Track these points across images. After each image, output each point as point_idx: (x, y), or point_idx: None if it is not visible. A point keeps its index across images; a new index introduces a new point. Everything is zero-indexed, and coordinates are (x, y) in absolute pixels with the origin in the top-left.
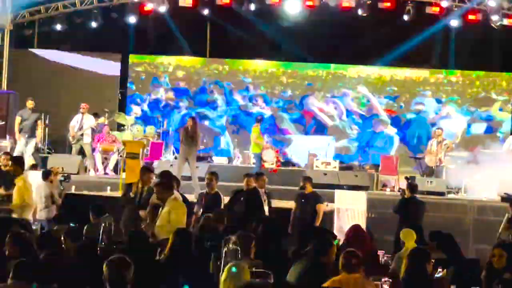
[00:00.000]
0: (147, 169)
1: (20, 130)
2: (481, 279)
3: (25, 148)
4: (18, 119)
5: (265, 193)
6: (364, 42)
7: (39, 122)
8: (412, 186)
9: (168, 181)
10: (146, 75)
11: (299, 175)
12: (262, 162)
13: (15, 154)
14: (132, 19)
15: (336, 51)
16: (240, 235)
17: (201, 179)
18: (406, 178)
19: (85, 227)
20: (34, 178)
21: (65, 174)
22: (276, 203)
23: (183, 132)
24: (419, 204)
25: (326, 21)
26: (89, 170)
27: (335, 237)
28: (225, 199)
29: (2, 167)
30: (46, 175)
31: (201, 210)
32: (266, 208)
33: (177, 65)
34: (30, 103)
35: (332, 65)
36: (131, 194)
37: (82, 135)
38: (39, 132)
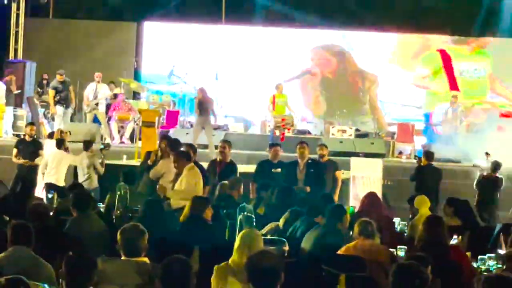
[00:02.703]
0: (164, 138)
1: (57, 102)
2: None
3: (63, 119)
4: (52, 92)
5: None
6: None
7: (71, 88)
8: (428, 153)
9: (184, 150)
10: (162, 45)
11: (315, 143)
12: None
13: (56, 127)
14: None
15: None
16: None
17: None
18: (423, 145)
19: (108, 194)
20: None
21: (105, 143)
22: None
23: (197, 103)
24: (435, 171)
25: None
26: (104, 139)
27: None
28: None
29: (27, 138)
30: (88, 146)
31: (216, 178)
32: None
33: (192, 34)
34: (60, 77)
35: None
36: (149, 162)
37: (97, 104)
38: (73, 99)
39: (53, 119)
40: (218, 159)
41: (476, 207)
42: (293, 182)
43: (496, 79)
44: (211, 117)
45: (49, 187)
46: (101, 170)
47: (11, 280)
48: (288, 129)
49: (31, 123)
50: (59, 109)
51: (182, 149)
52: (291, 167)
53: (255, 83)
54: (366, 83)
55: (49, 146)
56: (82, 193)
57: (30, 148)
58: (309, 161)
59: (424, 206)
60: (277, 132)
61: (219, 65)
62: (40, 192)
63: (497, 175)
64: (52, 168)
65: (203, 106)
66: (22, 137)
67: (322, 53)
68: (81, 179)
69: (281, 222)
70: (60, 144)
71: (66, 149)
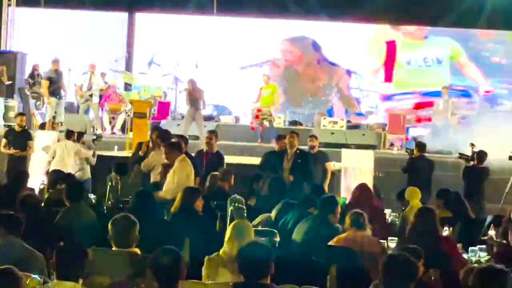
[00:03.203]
0: (155, 129)
1: (51, 93)
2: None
3: (56, 110)
4: (46, 82)
5: None
6: None
7: (63, 81)
8: (420, 144)
9: (175, 141)
10: (154, 36)
11: (306, 134)
12: None
13: (47, 118)
14: None
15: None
16: None
17: None
18: (414, 138)
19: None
20: (48, 138)
21: (98, 133)
22: None
23: (187, 94)
24: (427, 162)
25: None
26: (96, 130)
27: None
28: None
29: (17, 128)
30: (79, 137)
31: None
32: None
33: (183, 25)
34: (54, 65)
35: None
36: (140, 153)
37: (91, 95)
38: (65, 89)
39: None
40: (205, 149)
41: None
42: (278, 171)
43: (467, 64)
44: (201, 107)
45: (58, 175)
46: (93, 161)
47: (1, 271)
48: (263, 120)
49: (21, 114)
50: (52, 100)
51: (173, 140)
52: (279, 155)
53: (235, 73)
54: (334, 77)
55: (40, 137)
56: (75, 184)
57: (19, 138)
58: (298, 151)
59: (415, 197)
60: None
61: (203, 55)
62: (33, 182)
63: (483, 165)
64: (61, 157)
65: (193, 97)
66: (11, 127)
67: (290, 44)
68: (74, 170)
69: (273, 214)
70: (70, 134)
71: (73, 140)
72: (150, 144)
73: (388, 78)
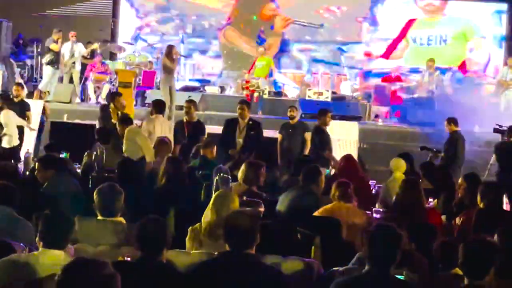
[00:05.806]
0: (115, 94)
1: (50, 62)
2: None
3: (51, 80)
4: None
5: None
6: None
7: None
8: (455, 119)
9: (124, 115)
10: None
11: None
12: None
13: (40, 86)
14: None
15: None
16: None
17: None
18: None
19: (85, 154)
20: (33, 107)
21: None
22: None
23: (165, 60)
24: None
25: None
26: (77, 98)
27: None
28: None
29: (15, 99)
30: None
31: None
32: None
33: None
34: (58, 35)
35: None
36: (113, 121)
37: (73, 63)
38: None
39: (29, 79)
40: (185, 119)
41: (497, 176)
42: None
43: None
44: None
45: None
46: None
47: None
48: (252, 91)
49: (18, 84)
50: (49, 69)
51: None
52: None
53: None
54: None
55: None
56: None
57: (17, 109)
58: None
59: (399, 169)
60: (254, 95)
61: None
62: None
63: None
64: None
65: (170, 64)
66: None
67: None
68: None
69: None
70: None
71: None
72: (119, 112)
73: (386, 55)
